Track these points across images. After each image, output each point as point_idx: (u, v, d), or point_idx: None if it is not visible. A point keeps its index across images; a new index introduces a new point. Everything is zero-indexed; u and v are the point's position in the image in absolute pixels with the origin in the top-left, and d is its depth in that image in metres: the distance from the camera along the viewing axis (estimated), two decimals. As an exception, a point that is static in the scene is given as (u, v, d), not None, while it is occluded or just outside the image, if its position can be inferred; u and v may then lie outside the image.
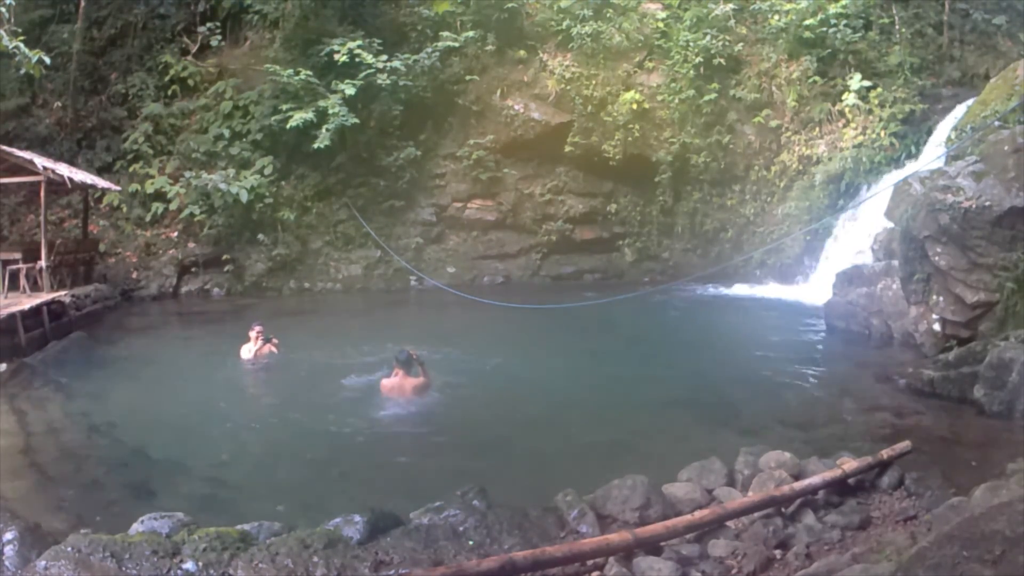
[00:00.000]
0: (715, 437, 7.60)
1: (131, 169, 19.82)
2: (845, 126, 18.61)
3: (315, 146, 18.58)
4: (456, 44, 20.17)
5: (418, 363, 9.08)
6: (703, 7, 20.17)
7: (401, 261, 19.22)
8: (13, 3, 11.16)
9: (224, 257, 18.92)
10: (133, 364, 11.80)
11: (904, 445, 6.10)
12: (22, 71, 12.03)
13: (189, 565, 4.43)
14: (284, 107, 18.88)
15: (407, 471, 7.16)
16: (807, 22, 19.05)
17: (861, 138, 18.12)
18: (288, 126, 18.53)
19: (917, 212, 10.67)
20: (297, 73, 18.85)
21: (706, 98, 19.28)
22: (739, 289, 18.31)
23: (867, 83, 18.29)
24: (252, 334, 11.21)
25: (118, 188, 18.51)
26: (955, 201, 10.12)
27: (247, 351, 11.16)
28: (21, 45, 10.45)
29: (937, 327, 10.48)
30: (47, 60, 10.94)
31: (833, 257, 16.82)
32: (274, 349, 11.33)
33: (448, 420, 8.69)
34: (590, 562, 4.70)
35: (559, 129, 20.05)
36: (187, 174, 18.87)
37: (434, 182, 20.65)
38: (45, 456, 7.54)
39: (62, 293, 14.24)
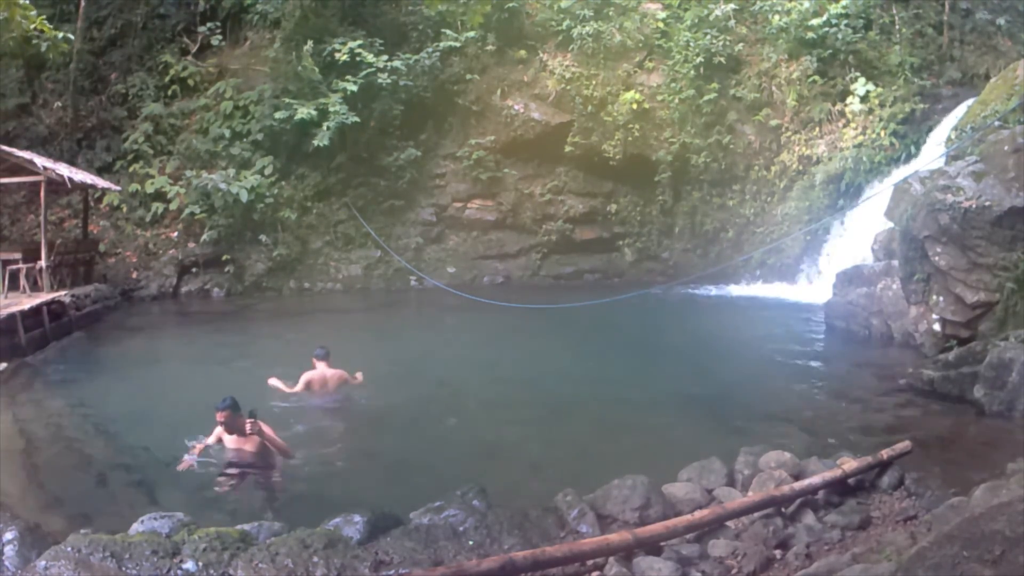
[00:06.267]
0: (715, 437, 7.59)
1: (131, 169, 19.82)
2: (845, 126, 18.62)
3: (315, 143, 18.61)
4: (456, 44, 20.20)
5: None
6: (703, 7, 20.19)
7: (401, 261, 19.22)
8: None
9: (224, 257, 18.91)
10: (133, 364, 11.78)
11: (904, 445, 6.08)
12: (45, 49, 11.88)
13: (189, 565, 4.41)
14: (287, 100, 18.92)
15: (407, 471, 7.15)
16: (809, 22, 19.05)
17: (861, 138, 18.14)
18: (295, 119, 18.54)
19: (917, 212, 10.66)
20: (303, 69, 18.90)
21: (706, 98, 19.29)
22: (739, 289, 18.31)
23: (870, 86, 18.31)
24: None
25: (118, 188, 18.52)
26: (955, 201, 10.12)
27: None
28: (46, 24, 10.36)
29: (937, 327, 10.48)
30: (71, 37, 10.83)
31: (833, 257, 16.83)
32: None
33: (448, 420, 8.68)
34: (590, 562, 4.68)
35: (559, 129, 20.05)
36: (187, 174, 18.89)
37: (434, 182, 20.66)
38: (45, 456, 7.53)
39: (62, 293, 14.22)
